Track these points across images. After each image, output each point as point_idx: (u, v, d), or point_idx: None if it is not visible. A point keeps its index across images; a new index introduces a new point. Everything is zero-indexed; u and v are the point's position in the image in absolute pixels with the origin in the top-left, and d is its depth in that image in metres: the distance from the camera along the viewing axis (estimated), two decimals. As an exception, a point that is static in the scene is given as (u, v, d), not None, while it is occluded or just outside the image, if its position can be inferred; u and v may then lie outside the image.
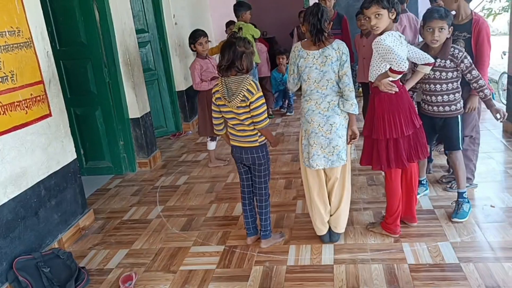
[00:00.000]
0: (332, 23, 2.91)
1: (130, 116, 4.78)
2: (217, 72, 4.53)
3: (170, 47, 6.09)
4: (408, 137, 2.87)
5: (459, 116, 3.16)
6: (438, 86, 3.10)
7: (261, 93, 2.80)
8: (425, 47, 3.13)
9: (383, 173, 3.89)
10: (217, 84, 2.86)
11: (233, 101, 2.75)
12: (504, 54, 7.18)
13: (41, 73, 3.24)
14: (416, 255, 2.83)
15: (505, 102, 6.25)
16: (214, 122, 3.02)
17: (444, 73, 3.06)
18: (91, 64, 4.58)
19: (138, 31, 5.10)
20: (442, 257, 2.78)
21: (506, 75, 7.07)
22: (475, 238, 2.95)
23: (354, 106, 2.82)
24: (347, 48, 2.83)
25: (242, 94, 2.72)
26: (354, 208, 3.43)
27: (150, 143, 5.02)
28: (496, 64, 10.18)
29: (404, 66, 2.54)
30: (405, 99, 2.86)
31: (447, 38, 3.03)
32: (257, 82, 2.83)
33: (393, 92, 2.78)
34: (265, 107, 2.81)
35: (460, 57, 3.00)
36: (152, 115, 5.19)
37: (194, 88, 4.61)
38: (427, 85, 3.15)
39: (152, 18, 5.84)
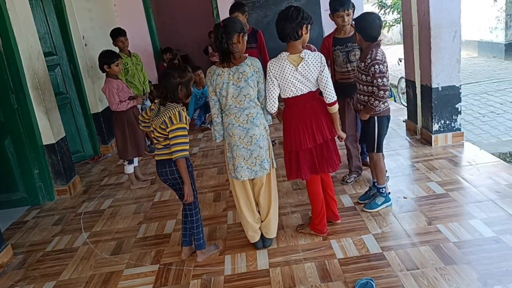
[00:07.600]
0: (246, 34, 2.94)
1: (44, 143, 4.54)
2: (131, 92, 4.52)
3: (81, 69, 5.87)
4: (321, 146, 3.04)
5: (376, 119, 3.37)
6: (357, 85, 3.42)
7: (183, 125, 2.81)
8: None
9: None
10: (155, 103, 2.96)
11: (155, 121, 2.86)
12: (401, 61, 7.84)
13: None
14: (344, 249, 3.02)
15: (405, 104, 6.85)
16: (141, 118, 3.10)
17: (359, 75, 3.35)
18: (-5, 90, 4.31)
19: (45, 54, 4.87)
20: (367, 248, 2.99)
21: (404, 80, 7.79)
22: (393, 228, 3.21)
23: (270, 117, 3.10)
24: (260, 64, 2.94)
25: (163, 119, 2.80)
26: (283, 213, 3.57)
27: (68, 169, 4.79)
28: (394, 70, 11.11)
29: (270, 107, 2.97)
30: (319, 110, 3.00)
31: (369, 45, 3.24)
32: (185, 114, 2.83)
33: None
34: (183, 140, 2.81)
35: (368, 65, 3.22)
36: (68, 140, 4.97)
37: (112, 110, 4.45)
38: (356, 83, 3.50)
39: (60, 40, 5.61)
